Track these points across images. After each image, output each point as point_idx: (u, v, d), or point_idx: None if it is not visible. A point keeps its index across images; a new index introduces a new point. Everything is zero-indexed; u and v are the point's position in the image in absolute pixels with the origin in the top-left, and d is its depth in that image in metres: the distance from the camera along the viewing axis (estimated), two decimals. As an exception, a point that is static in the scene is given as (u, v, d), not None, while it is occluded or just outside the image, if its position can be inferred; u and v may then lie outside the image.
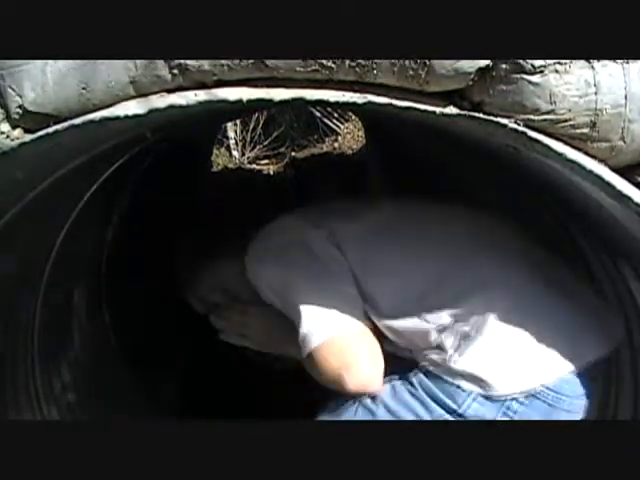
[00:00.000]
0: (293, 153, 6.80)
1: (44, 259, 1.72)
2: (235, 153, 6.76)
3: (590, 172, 0.96)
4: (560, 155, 0.96)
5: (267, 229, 1.40)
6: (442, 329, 1.24)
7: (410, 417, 1.24)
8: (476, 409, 1.19)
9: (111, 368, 2.29)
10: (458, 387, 1.21)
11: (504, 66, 0.91)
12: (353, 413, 1.28)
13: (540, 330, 1.19)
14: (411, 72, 0.92)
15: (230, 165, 6.42)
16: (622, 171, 0.98)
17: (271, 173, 6.24)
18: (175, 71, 0.93)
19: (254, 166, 6.58)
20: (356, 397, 1.28)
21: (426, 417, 1.22)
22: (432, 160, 2.73)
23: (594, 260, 1.49)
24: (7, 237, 1.33)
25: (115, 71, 0.93)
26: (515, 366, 1.20)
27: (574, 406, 1.22)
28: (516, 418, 1.18)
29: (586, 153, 0.97)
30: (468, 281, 1.25)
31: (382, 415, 1.26)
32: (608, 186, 0.97)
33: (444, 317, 1.24)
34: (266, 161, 6.71)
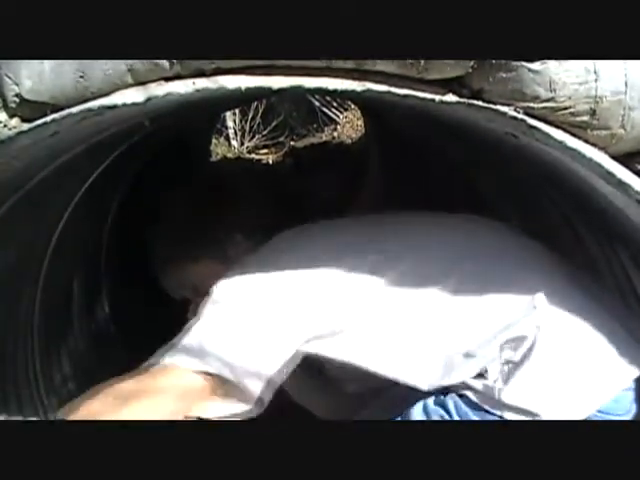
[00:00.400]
0: (292, 142, 6.79)
1: (43, 248, 1.72)
2: (234, 142, 6.75)
3: (590, 160, 0.96)
4: (560, 143, 0.96)
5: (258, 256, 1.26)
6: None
7: None
8: None
9: (111, 357, 2.29)
10: (501, 418, 1.10)
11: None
12: None
13: (589, 349, 1.12)
14: (410, 59, 0.91)
15: (229, 154, 6.41)
16: (622, 159, 0.98)
17: (270, 162, 6.23)
18: (173, 59, 0.93)
19: (253, 155, 6.57)
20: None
21: None
22: (431, 148, 2.72)
23: (595, 251, 1.49)
24: (6, 226, 1.33)
25: (112, 59, 0.92)
26: (569, 395, 1.10)
27: None
28: None
29: (586, 141, 0.96)
30: (513, 304, 1.14)
31: None
32: (608, 174, 0.97)
33: (491, 349, 1.12)
34: (265, 150, 6.70)
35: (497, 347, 1.12)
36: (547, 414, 1.08)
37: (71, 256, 1.96)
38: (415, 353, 1.17)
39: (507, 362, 1.11)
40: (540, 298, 1.13)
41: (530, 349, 1.10)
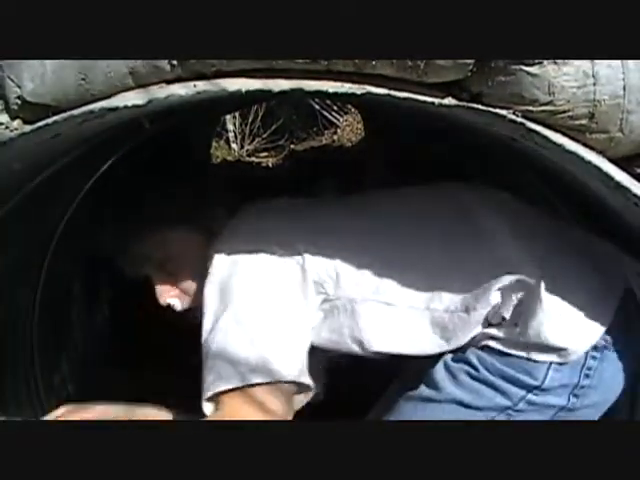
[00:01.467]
0: (292, 145, 6.80)
1: (44, 249, 1.72)
2: (234, 146, 6.76)
3: (589, 163, 0.96)
4: (559, 146, 0.96)
5: (232, 230, 1.25)
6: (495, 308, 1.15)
7: (482, 403, 1.16)
8: (557, 378, 1.13)
9: (111, 360, 2.30)
10: (529, 359, 1.13)
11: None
12: (414, 408, 1.21)
13: (577, 279, 1.17)
14: (410, 63, 0.92)
15: (229, 158, 6.42)
16: (620, 162, 0.98)
17: (270, 165, 6.23)
18: (174, 62, 0.93)
19: (253, 158, 6.58)
20: (413, 388, 1.22)
21: (500, 400, 1.15)
22: (431, 150, 2.73)
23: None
24: (6, 227, 1.33)
25: (114, 61, 0.93)
26: (580, 321, 1.13)
27: None
28: (594, 376, 1.14)
29: (584, 144, 0.97)
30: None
31: (449, 408, 1.17)
32: (607, 177, 0.97)
33: (492, 298, 1.15)
34: (265, 154, 6.71)
35: (496, 294, 1.14)
36: (571, 345, 1.12)
37: (71, 257, 1.97)
38: (407, 323, 1.19)
39: (518, 304, 1.14)
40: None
41: (535, 288, 1.13)
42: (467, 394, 1.17)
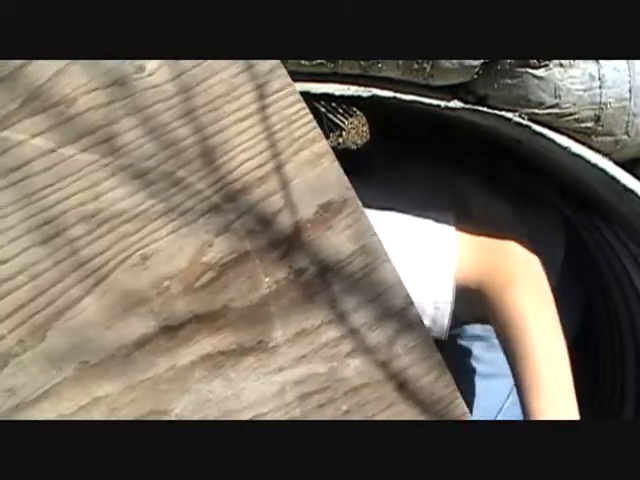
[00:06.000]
0: (298, 148, 6.80)
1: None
2: (240, 148, 6.76)
3: (594, 166, 0.96)
4: (564, 149, 0.96)
5: None
6: None
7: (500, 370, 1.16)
8: None
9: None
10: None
11: (509, 60, 0.91)
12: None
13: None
14: (416, 66, 0.92)
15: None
16: (626, 165, 0.99)
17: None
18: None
19: (259, 161, 6.58)
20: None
21: None
22: (435, 153, 2.72)
23: (599, 255, 1.49)
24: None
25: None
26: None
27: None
28: None
29: (590, 147, 0.97)
30: None
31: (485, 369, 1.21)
32: (612, 180, 0.97)
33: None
34: (271, 156, 6.72)
35: None
36: None
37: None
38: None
39: None
40: None
41: None
42: (484, 365, 1.21)
